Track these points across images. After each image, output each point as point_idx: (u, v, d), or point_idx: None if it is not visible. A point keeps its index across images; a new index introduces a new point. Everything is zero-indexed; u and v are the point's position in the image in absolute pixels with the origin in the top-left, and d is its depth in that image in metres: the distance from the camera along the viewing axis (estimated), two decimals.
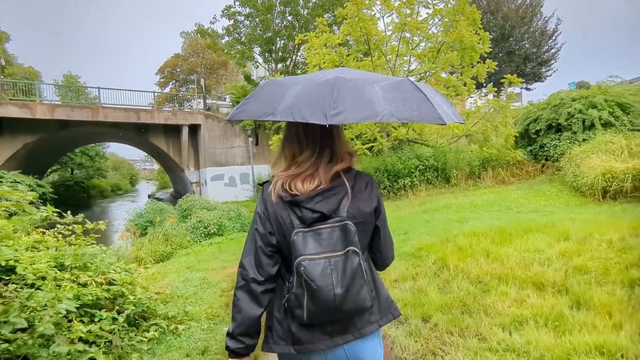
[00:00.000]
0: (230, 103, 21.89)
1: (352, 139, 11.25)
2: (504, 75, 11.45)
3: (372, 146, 11.56)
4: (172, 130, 21.43)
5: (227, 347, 1.23)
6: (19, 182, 16.19)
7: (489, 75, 12.53)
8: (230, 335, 1.22)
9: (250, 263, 1.22)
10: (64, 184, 30.91)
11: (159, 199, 29.70)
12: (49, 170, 33.83)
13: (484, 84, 14.37)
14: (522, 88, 21.83)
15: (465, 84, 11.64)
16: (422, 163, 11.12)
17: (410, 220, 7.30)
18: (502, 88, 12.48)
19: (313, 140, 1.25)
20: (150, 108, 20.40)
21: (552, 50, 22.91)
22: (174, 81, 36.14)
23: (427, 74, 10.98)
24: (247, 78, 20.29)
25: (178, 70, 36.35)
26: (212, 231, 10.48)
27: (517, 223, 5.59)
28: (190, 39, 37.61)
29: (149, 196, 34.67)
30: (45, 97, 23.23)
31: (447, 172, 11.18)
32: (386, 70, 11.83)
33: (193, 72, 33.00)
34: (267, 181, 1.30)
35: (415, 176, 11.04)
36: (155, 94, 20.65)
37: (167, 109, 21.24)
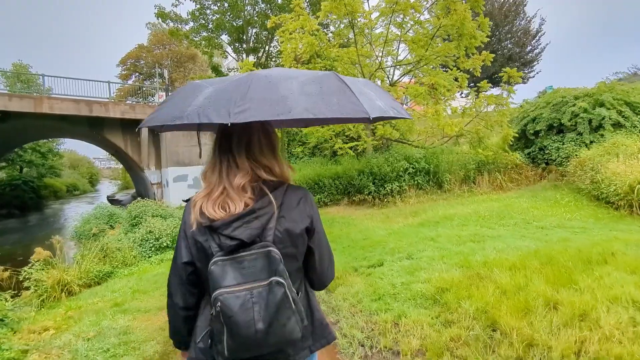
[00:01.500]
0: None
1: (331, 138, 9.74)
2: (503, 69, 10.26)
3: (356, 145, 10.10)
4: (131, 126, 19.28)
5: (175, 345, 1.32)
6: None
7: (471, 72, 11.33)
8: (171, 338, 1.31)
9: (174, 287, 1.19)
10: (10, 184, 27.85)
11: (118, 201, 27.27)
12: None
13: (476, 79, 13.22)
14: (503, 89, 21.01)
15: (456, 79, 10.36)
16: (411, 165, 9.76)
17: (409, 237, 5.84)
18: (490, 86, 11.25)
19: (216, 148, 1.18)
20: (104, 100, 18.17)
21: (536, 51, 22.27)
22: (137, 74, 33.50)
23: (419, 63, 9.62)
24: (215, 69, 18.38)
25: (142, 62, 33.77)
26: (165, 244, 8.71)
27: (560, 247, 4.23)
28: (156, 30, 35.18)
29: (108, 197, 32.13)
30: None
31: (440, 176, 9.88)
32: (372, 59, 10.41)
33: (158, 64, 30.63)
34: (190, 199, 1.20)
35: (404, 180, 9.67)
36: (111, 84, 18.39)
37: (120, 101, 19.00)
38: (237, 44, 18.60)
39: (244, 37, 18.26)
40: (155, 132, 19.69)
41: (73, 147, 53.60)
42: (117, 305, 4.56)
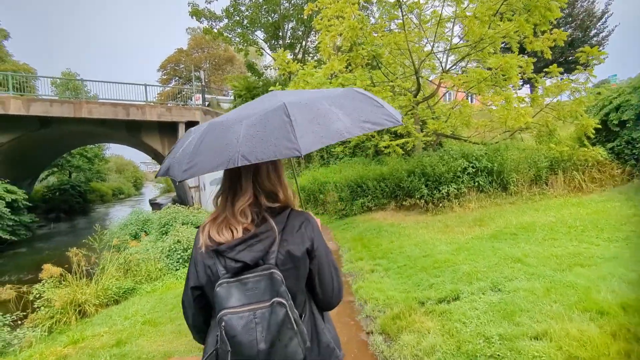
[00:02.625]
0: (233, 97, 19.36)
1: (373, 136, 8.56)
2: (581, 49, 8.65)
3: (405, 142, 8.87)
4: (168, 129, 19.08)
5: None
6: None
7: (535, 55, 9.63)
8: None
9: (185, 307, 1.24)
10: (59, 188, 28.74)
11: (158, 205, 27.39)
12: (46, 173, 31.97)
13: (539, 67, 11.56)
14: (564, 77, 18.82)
15: (520, 66, 8.82)
16: (471, 164, 8.37)
17: (484, 255, 4.58)
18: (560, 71, 9.55)
19: (226, 179, 1.22)
20: (141, 103, 17.98)
21: (602, 34, 19.83)
22: (176, 78, 33.84)
23: (480, 45, 8.20)
24: (250, 67, 17.66)
25: (181, 66, 34.07)
26: None
27: None
28: (195, 34, 35.45)
29: (150, 201, 32.56)
30: (40, 94, 21.16)
31: (505, 177, 8.41)
32: (422, 43, 9.15)
33: (196, 67, 30.64)
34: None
35: (463, 182, 8.30)
36: (148, 87, 18.16)
37: (162, 104, 18.74)
38: (273, 41, 17.82)
39: (280, 34, 17.43)
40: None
41: (119, 152, 55.73)
42: (119, 343, 3.67)
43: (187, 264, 7.83)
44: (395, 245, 6.13)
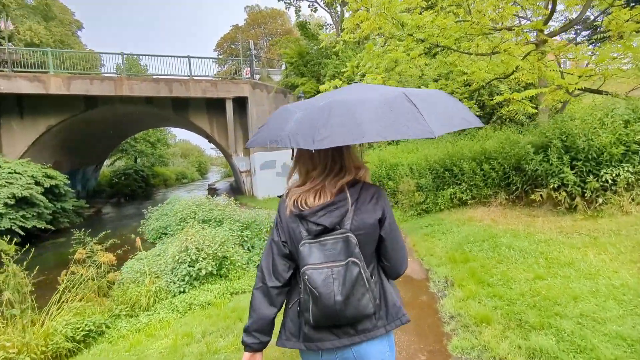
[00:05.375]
0: (285, 67, 16.72)
1: (472, 93, 5.29)
2: None
3: (537, 96, 5.50)
4: (216, 106, 17.07)
5: (243, 342, 1.32)
6: (19, 173, 12.86)
7: None
8: (246, 330, 1.32)
9: (267, 268, 1.32)
10: (124, 173, 28.64)
11: (215, 190, 26.07)
12: (114, 158, 32.37)
13: None
14: None
15: None
16: None
17: None
18: None
19: (325, 157, 1.30)
20: (184, 78, 16.03)
21: None
22: (233, 56, 32.11)
23: None
24: (302, 27, 14.84)
25: (238, 44, 32.24)
26: (207, 270, 5.36)
27: None
28: (251, 10, 33.39)
29: (209, 186, 31.63)
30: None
31: None
32: None
33: (245, 41, 28.53)
34: (282, 195, 1.40)
35: None
36: (191, 59, 16.11)
37: (206, 78, 16.66)
38: None
39: None
40: (241, 113, 17.14)
41: (187, 137, 56.62)
42: None
43: (195, 284, 5.32)
44: (555, 287, 2.99)
